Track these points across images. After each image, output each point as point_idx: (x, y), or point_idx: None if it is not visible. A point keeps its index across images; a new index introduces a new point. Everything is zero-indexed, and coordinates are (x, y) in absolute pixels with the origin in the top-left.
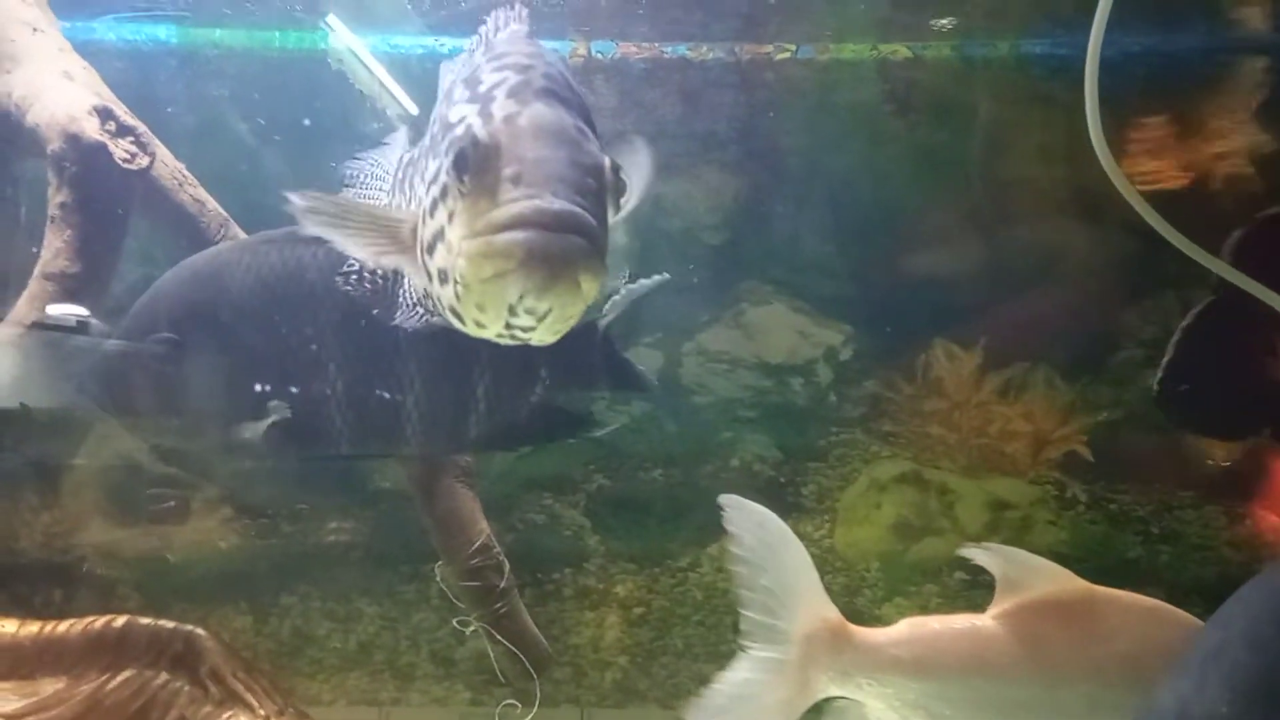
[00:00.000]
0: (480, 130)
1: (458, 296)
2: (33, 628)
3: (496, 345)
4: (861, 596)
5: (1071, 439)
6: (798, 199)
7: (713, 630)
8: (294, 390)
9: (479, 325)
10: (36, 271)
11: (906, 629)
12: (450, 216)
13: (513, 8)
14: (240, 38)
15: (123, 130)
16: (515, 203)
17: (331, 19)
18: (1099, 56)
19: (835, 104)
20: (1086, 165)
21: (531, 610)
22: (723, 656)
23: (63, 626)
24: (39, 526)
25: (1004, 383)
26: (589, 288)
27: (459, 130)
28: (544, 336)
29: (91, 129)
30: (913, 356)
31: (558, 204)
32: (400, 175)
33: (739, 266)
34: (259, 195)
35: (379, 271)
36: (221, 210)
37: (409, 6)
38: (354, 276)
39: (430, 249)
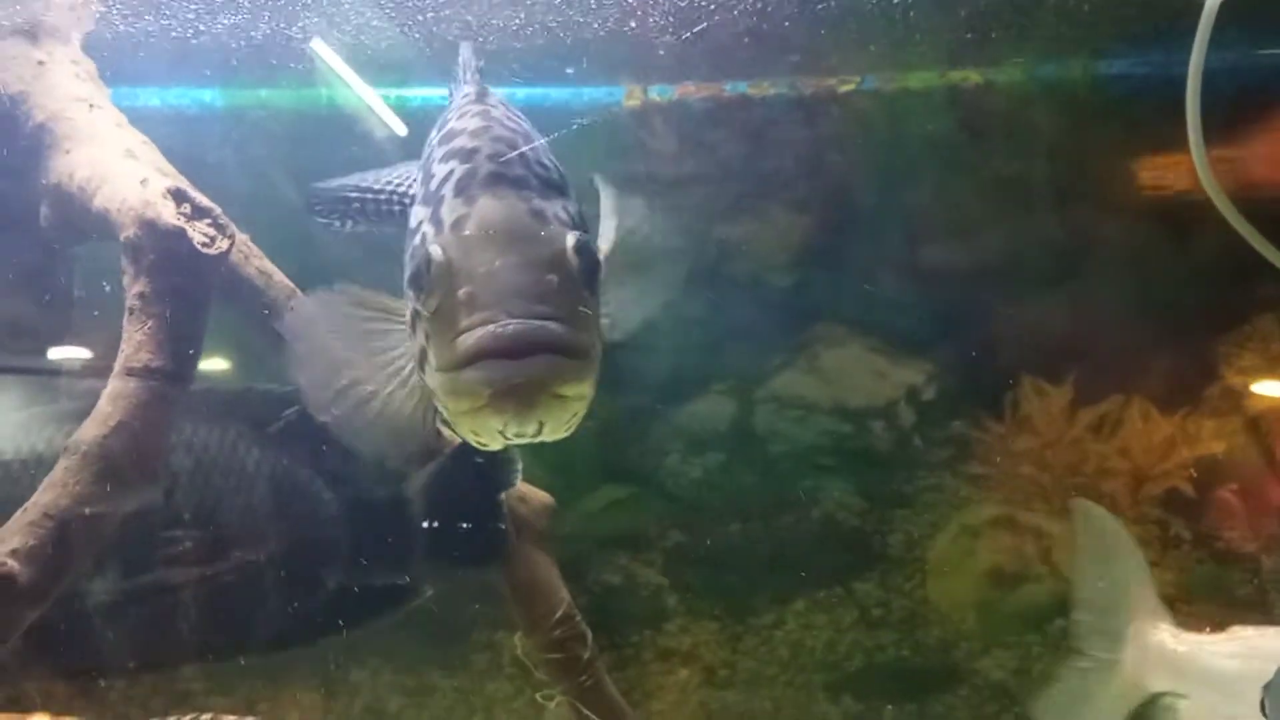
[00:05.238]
0: (432, 244)
1: (448, 422)
2: None
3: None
4: (958, 650)
5: (1173, 475)
6: (870, 235)
7: (802, 690)
8: None
9: (482, 444)
10: (117, 367)
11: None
12: (427, 337)
13: (459, 56)
14: (287, 97)
15: (199, 212)
16: (470, 333)
17: (316, 44)
18: (1200, 76)
19: (906, 135)
20: (1173, 187)
21: (610, 676)
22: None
23: None
24: None
25: (1097, 418)
26: (576, 391)
27: (415, 240)
28: (555, 435)
29: (168, 213)
30: (1000, 394)
31: (513, 325)
32: None
33: (811, 308)
34: (312, 258)
35: None
36: (288, 281)
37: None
38: None
39: (421, 365)
